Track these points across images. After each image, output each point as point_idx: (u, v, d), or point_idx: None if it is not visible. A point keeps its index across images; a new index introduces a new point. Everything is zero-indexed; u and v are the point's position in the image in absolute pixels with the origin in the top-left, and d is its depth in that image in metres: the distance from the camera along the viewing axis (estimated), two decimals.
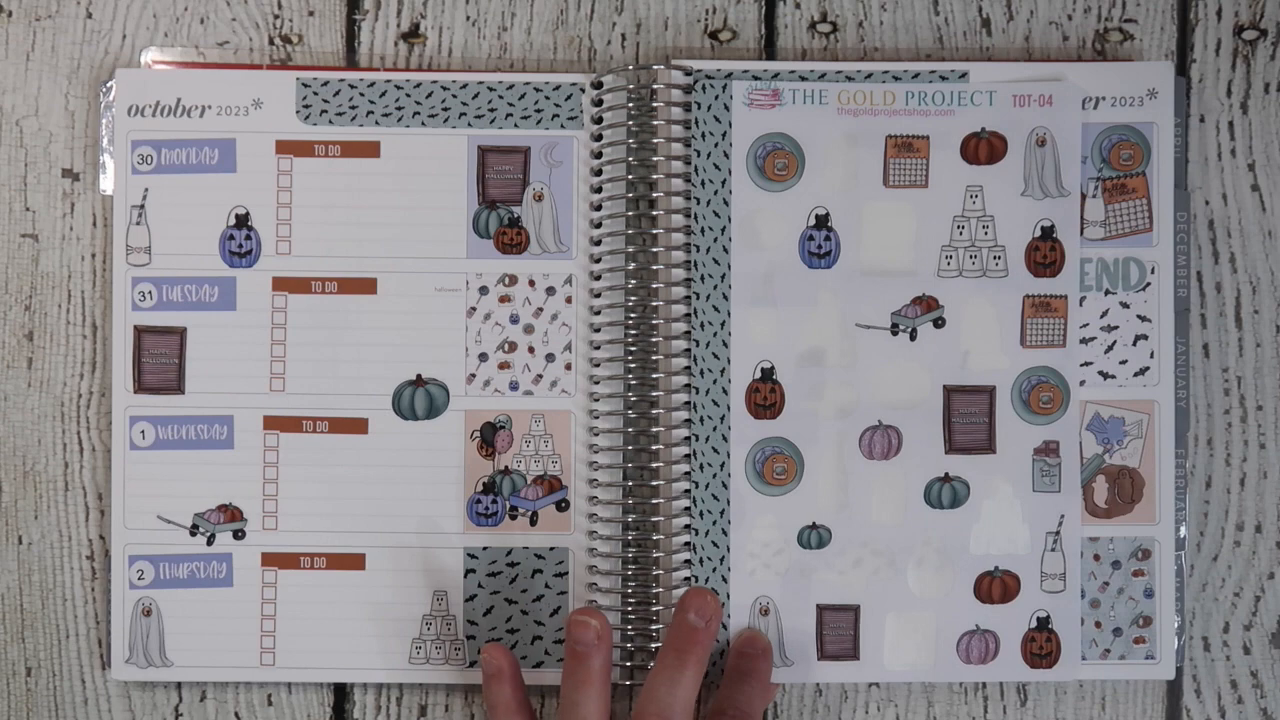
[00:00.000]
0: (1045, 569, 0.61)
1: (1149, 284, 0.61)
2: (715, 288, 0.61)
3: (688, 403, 0.61)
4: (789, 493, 0.61)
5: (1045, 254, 0.61)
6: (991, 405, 0.61)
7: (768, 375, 0.61)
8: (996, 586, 0.61)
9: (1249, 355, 0.63)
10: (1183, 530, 0.61)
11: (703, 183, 0.61)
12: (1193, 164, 0.63)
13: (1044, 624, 0.61)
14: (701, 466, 0.61)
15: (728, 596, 0.61)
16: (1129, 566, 0.61)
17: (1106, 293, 0.61)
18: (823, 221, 0.61)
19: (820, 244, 0.61)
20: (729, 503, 0.61)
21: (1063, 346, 0.61)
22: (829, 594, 0.61)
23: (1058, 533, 0.61)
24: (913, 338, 0.61)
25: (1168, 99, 0.61)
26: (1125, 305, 0.61)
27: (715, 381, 0.61)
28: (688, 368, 0.61)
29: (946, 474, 0.61)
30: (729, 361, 0.61)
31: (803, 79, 0.61)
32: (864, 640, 0.61)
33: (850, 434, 0.61)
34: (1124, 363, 0.61)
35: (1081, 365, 0.61)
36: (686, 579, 0.61)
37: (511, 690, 0.58)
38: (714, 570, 0.61)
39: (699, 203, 0.61)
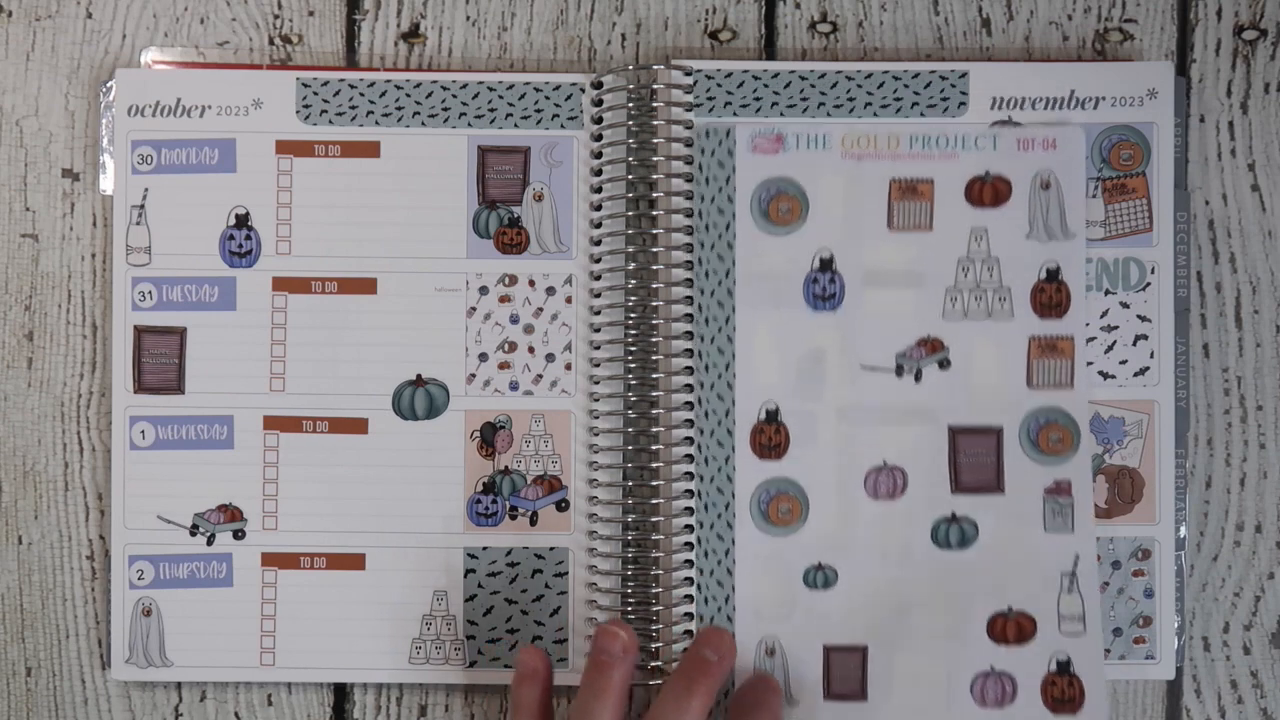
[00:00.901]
0: (1062, 610, 0.60)
1: (1149, 284, 0.61)
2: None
3: (688, 403, 0.61)
4: (794, 533, 0.61)
5: (1051, 295, 0.61)
6: (999, 446, 0.61)
7: (772, 417, 0.61)
8: (1011, 627, 0.60)
9: (1249, 355, 0.63)
10: (1183, 530, 0.61)
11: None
12: (1193, 164, 0.63)
13: (1064, 668, 0.60)
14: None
15: (732, 637, 0.60)
16: (1129, 566, 0.61)
17: (1106, 293, 0.61)
18: (827, 264, 0.61)
19: (824, 286, 0.61)
20: (734, 543, 0.60)
21: (1070, 388, 0.61)
22: (835, 635, 0.60)
23: (1073, 574, 0.60)
24: (918, 379, 0.61)
25: (1168, 99, 0.61)
26: (1125, 305, 0.61)
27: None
28: (688, 368, 0.61)
29: (954, 514, 0.61)
30: (733, 404, 0.61)
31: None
32: (872, 681, 0.60)
33: (855, 474, 0.61)
34: (1124, 363, 0.61)
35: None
36: (687, 579, 0.60)
37: (540, 694, 0.58)
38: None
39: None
